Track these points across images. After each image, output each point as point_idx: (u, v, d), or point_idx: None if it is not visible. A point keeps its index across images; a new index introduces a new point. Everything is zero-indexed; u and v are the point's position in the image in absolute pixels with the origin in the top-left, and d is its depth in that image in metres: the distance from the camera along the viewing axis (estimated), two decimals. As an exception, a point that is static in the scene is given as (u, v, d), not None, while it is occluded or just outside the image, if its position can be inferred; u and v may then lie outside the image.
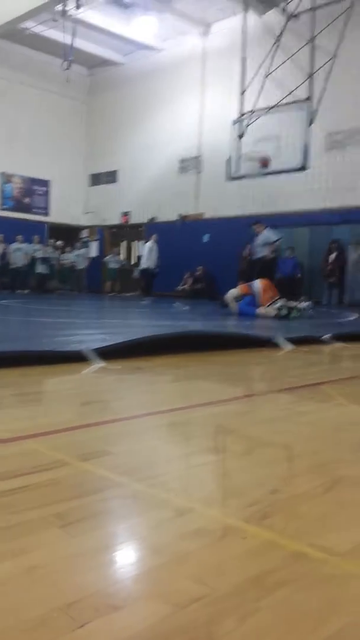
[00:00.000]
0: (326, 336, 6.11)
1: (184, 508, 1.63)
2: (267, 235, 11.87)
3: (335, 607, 1.12)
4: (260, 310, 9.14)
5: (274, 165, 12.53)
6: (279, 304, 9.04)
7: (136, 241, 19.58)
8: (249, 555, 1.34)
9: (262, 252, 11.84)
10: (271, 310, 9.00)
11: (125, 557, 1.38)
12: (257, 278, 11.52)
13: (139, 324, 7.86)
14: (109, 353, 4.34)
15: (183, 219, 17.21)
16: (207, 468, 2.09)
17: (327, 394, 3.55)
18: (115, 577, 1.26)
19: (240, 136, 12.48)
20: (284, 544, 1.40)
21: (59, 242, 18.61)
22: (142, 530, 1.51)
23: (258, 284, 9.77)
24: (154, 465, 2.05)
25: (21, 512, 1.55)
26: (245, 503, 1.67)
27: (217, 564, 1.29)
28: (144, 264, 14.90)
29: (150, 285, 15.12)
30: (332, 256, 13.78)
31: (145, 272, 15.06)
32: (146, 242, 15.84)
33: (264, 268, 11.83)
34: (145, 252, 15.00)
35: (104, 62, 19.56)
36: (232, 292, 9.80)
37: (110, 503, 1.68)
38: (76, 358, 4.20)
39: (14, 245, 17.18)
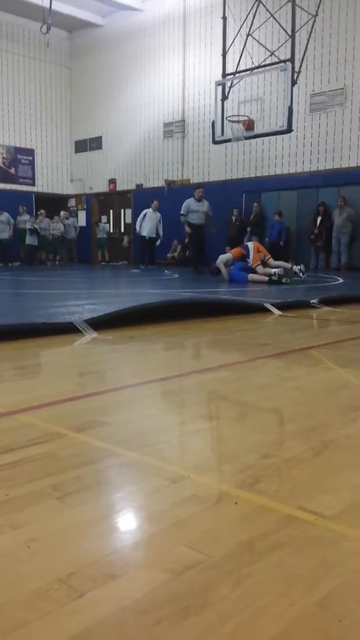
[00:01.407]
0: (314, 301, 6.14)
1: (178, 475, 1.66)
2: (207, 203, 11.97)
3: (326, 568, 1.16)
4: (253, 276, 9.13)
5: (258, 128, 12.39)
6: (274, 271, 9.02)
7: (124, 209, 19.38)
8: (242, 520, 1.38)
9: (203, 219, 11.91)
10: (263, 277, 9.00)
11: (122, 526, 1.41)
12: (198, 245, 11.71)
13: (130, 292, 7.86)
14: (101, 323, 4.35)
15: (170, 184, 17.04)
16: (200, 435, 2.12)
17: (316, 359, 3.59)
18: (112, 546, 1.29)
19: (224, 98, 12.29)
20: (276, 508, 1.44)
21: (63, 213, 18.37)
22: (138, 499, 1.54)
23: (251, 244, 9.77)
24: (148, 434, 2.08)
25: (18, 486, 1.57)
26: (238, 469, 1.71)
27: (211, 530, 1.33)
28: (142, 231, 14.56)
29: (148, 254, 14.77)
30: (319, 220, 13.73)
31: (142, 240, 14.73)
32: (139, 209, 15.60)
33: (202, 236, 11.96)
34: (140, 219, 14.65)
35: (84, 25, 19.09)
36: (222, 258, 9.74)
37: (106, 473, 1.71)
38: (69, 329, 4.21)
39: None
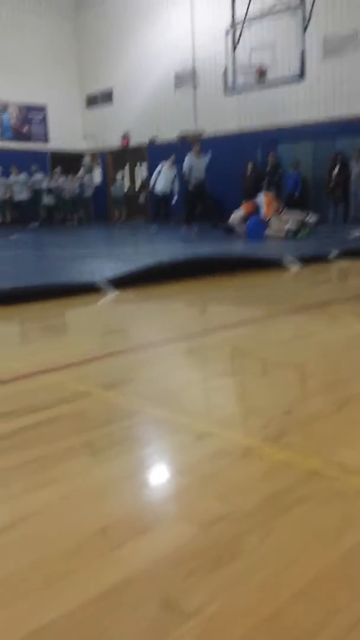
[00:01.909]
0: (332, 254, 6.09)
1: (204, 431, 1.71)
2: (206, 158, 11.95)
3: (350, 521, 1.20)
4: (270, 230, 9.02)
5: (271, 75, 12.07)
6: (289, 223, 8.90)
7: (139, 163, 19.11)
8: (267, 474, 1.42)
9: (204, 174, 11.94)
10: (281, 231, 8.89)
11: (151, 481, 1.47)
12: (198, 204, 11.67)
13: (148, 250, 7.85)
14: (122, 282, 4.38)
15: (184, 138, 16.70)
16: (224, 391, 2.17)
17: (336, 313, 3.59)
18: (143, 500, 1.35)
19: (235, 46, 11.94)
20: (300, 462, 1.48)
21: (81, 171, 18.23)
22: (166, 455, 1.60)
23: (262, 196, 9.66)
24: (173, 391, 2.12)
25: (51, 444, 1.63)
26: (262, 424, 1.75)
27: (238, 484, 1.38)
28: (156, 188, 14.30)
29: (164, 211, 14.53)
30: (335, 170, 13.40)
31: (156, 197, 14.49)
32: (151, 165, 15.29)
33: (202, 192, 12.07)
34: (155, 175, 14.36)
35: (89, -26, 18.50)
36: (236, 216, 9.66)
37: (134, 430, 1.76)
38: (91, 289, 4.24)
39: (12, 178, 16.67)
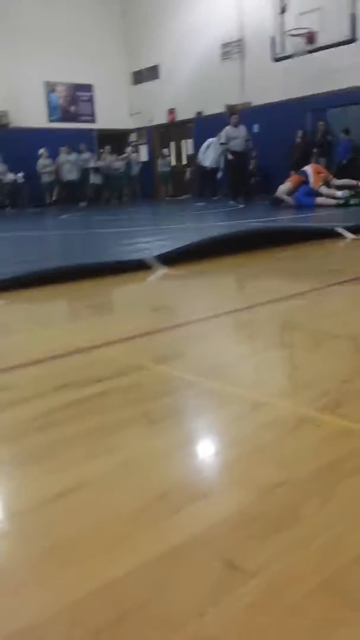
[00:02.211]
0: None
1: (259, 402, 1.71)
2: (245, 128, 12.05)
3: None
4: (320, 200, 8.86)
5: (320, 40, 11.74)
6: (340, 193, 8.72)
7: (184, 139, 18.97)
8: (324, 442, 1.42)
9: (243, 146, 12.06)
10: (331, 200, 8.72)
11: (208, 449, 1.49)
12: (239, 173, 11.75)
13: (197, 226, 7.83)
14: (171, 259, 4.39)
15: (231, 110, 16.46)
16: (277, 363, 2.16)
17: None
18: (201, 467, 1.37)
19: (282, 11, 11.66)
20: (357, 430, 1.47)
21: (129, 149, 18.31)
22: (221, 425, 1.61)
23: (309, 168, 9.49)
24: (226, 364, 2.13)
25: (110, 413, 1.67)
26: (317, 394, 1.74)
27: (295, 452, 1.38)
28: (205, 162, 14.24)
29: (210, 185, 14.44)
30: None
31: (204, 171, 14.40)
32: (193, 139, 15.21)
33: (245, 163, 12.32)
34: (203, 149, 14.29)
35: None
36: (283, 188, 9.51)
37: (189, 401, 1.78)
38: (140, 266, 4.27)
39: (62, 158, 16.85)
